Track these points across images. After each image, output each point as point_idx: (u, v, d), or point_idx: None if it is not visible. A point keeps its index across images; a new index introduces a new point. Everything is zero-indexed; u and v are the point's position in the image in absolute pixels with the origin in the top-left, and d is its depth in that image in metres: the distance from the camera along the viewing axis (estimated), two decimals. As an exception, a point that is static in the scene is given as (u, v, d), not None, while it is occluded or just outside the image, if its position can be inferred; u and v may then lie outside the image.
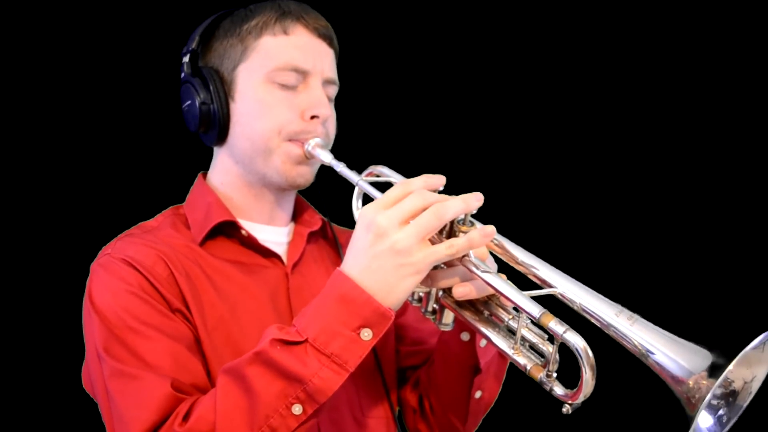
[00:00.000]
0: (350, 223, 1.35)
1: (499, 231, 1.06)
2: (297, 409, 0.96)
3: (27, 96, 2.04)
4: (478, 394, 1.27)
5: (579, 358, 0.91)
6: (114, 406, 1.07)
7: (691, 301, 2.12)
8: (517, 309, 1.02)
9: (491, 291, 1.03)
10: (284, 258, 1.33)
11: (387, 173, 1.25)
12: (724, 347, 0.86)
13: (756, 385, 0.92)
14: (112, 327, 1.09)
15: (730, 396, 0.94)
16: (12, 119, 2.03)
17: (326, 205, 1.44)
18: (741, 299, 2.10)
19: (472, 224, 1.04)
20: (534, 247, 1.07)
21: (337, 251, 1.43)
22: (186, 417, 1.00)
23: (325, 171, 1.33)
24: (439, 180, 1.03)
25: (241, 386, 0.97)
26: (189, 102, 1.30)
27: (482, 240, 0.99)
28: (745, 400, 0.93)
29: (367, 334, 0.97)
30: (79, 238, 1.98)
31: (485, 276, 1.00)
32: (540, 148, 2.31)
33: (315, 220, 1.42)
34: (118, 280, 1.13)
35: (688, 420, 0.86)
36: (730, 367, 0.82)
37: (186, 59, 1.32)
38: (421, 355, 1.39)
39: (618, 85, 2.28)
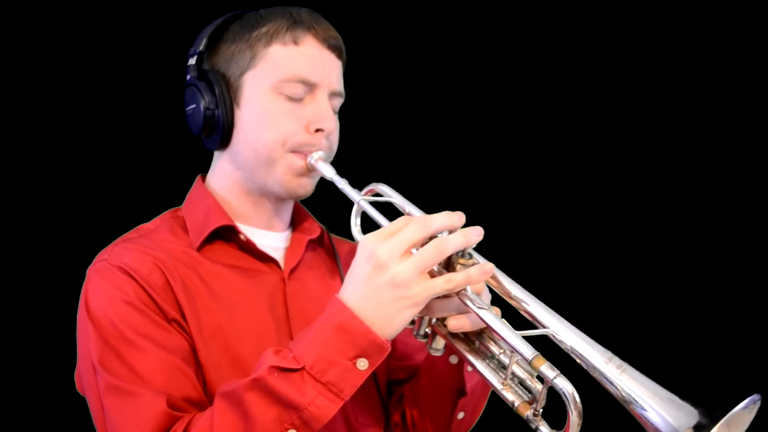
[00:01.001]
0: (347, 232, 1.36)
1: (493, 257, 1.08)
2: None
3: (26, 96, 2.03)
4: (460, 415, 1.29)
5: (567, 403, 0.93)
6: (109, 422, 1.08)
7: (678, 342, 2.16)
8: None
9: (485, 326, 1.05)
10: (281, 263, 1.34)
11: (388, 192, 1.25)
12: (708, 405, 0.89)
13: None
14: (108, 337, 1.10)
15: None
16: (11, 118, 2.02)
17: (324, 214, 1.45)
18: (728, 348, 2.14)
19: (471, 257, 1.06)
20: (528, 275, 1.10)
21: (335, 260, 1.44)
22: None
23: (324, 181, 1.33)
24: (441, 219, 1.02)
25: (238, 410, 0.99)
26: (193, 105, 1.29)
27: (480, 277, 1.01)
28: None
29: (363, 364, 0.99)
30: (76, 239, 1.99)
31: (480, 312, 1.02)
32: (543, 170, 2.32)
33: (314, 228, 1.43)
34: (115, 289, 1.13)
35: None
36: (714, 430, 0.85)
37: (192, 61, 1.30)
38: (407, 371, 1.42)
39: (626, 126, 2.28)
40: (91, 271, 1.19)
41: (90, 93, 2.07)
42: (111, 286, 1.14)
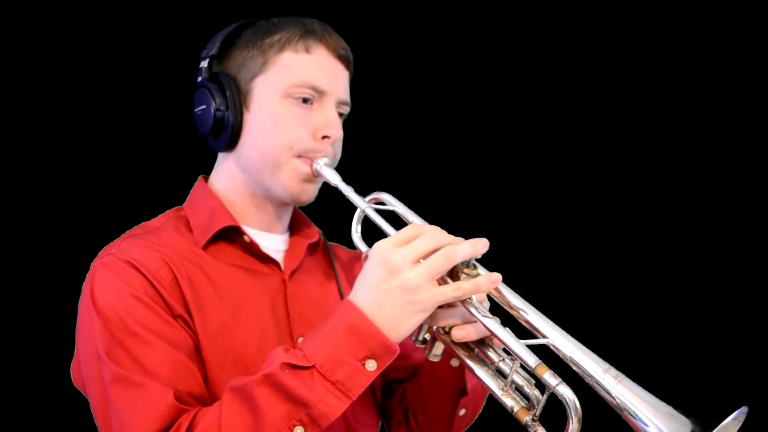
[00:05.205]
0: (343, 238, 1.40)
1: (494, 268, 1.12)
2: (299, 431, 1.00)
3: (32, 95, 2.05)
4: (462, 412, 1.33)
5: (568, 410, 0.98)
6: (114, 411, 1.08)
7: (673, 356, 2.20)
8: (507, 351, 1.08)
9: (489, 334, 1.09)
10: (281, 265, 1.36)
11: (391, 202, 1.29)
12: (700, 415, 0.95)
13: None
14: (115, 330, 1.11)
15: None
16: (17, 118, 2.04)
17: (323, 219, 1.47)
18: (720, 360, 2.17)
19: (475, 267, 1.10)
20: (526, 286, 1.14)
21: (330, 265, 1.47)
22: (189, 429, 1.03)
23: (322, 187, 1.37)
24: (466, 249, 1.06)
25: (247, 405, 1.01)
26: (203, 106, 1.31)
27: (488, 286, 1.06)
28: None
29: (371, 365, 1.02)
30: (74, 237, 2.02)
31: (486, 321, 1.06)
32: (541, 184, 2.36)
33: (313, 232, 1.46)
34: (123, 283, 1.14)
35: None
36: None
37: (204, 64, 1.33)
38: (407, 370, 1.44)
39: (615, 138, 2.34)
40: (97, 264, 1.20)
41: (90, 95, 2.10)
42: (119, 279, 1.15)
